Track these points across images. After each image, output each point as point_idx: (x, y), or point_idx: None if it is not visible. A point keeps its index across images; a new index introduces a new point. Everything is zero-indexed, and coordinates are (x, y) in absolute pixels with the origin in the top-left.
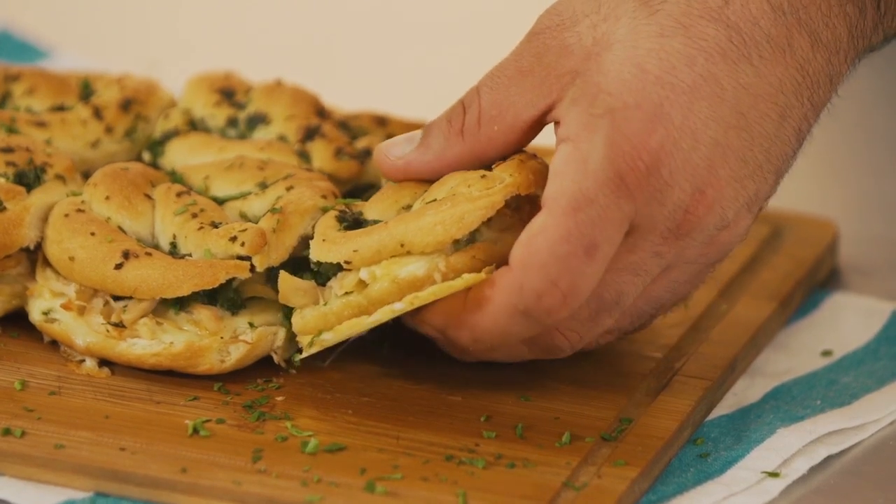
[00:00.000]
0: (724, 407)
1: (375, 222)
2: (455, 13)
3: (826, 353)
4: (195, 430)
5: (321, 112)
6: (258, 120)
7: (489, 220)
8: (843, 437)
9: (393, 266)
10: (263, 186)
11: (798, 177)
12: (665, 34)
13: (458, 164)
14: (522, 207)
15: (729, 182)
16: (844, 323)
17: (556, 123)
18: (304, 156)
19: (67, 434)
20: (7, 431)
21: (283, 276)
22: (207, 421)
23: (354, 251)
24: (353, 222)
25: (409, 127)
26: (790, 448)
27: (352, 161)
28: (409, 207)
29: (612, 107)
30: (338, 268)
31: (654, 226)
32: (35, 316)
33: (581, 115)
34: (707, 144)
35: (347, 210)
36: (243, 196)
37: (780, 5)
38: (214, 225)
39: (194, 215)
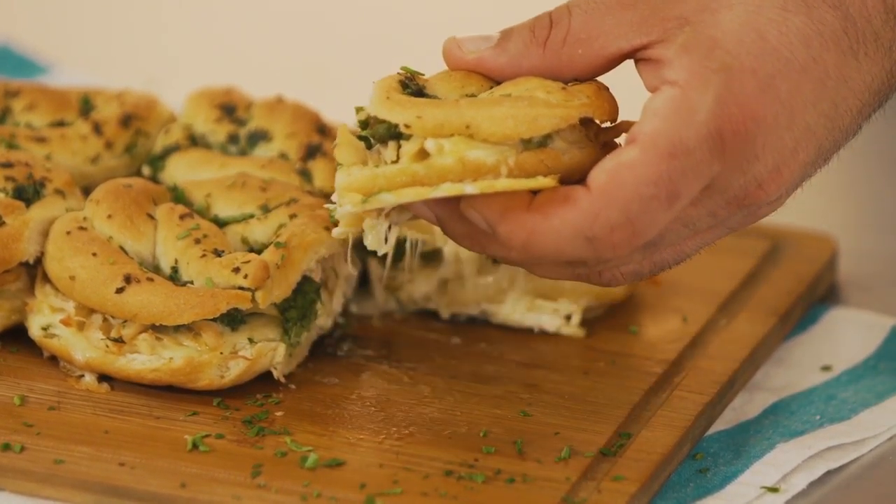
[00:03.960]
0: (724, 422)
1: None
2: (455, 28)
3: (825, 369)
4: (194, 446)
5: (322, 129)
6: (259, 137)
7: (559, 130)
8: (843, 453)
9: (462, 145)
10: (266, 210)
11: (797, 192)
12: (788, 9)
13: (531, 75)
14: (590, 126)
15: (802, 167)
16: (844, 338)
17: (654, 62)
18: (306, 174)
19: (67, 449)
20: (6, 447)
21: (343, 128)
22: (207, 436)
23: (418, 117)
24: (417, 91)
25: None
26: (789, 463)
27: None
28: (472, 97)
29: (728, 65)
30: (388, 135)
31: (726, 190)
32: (34, 331)
33: (694, 65)
34: (800, 127)
35: (412, 79)
36: (245, 219)
37: (893, 7)
38: (217, 252)
39: (197, 241)
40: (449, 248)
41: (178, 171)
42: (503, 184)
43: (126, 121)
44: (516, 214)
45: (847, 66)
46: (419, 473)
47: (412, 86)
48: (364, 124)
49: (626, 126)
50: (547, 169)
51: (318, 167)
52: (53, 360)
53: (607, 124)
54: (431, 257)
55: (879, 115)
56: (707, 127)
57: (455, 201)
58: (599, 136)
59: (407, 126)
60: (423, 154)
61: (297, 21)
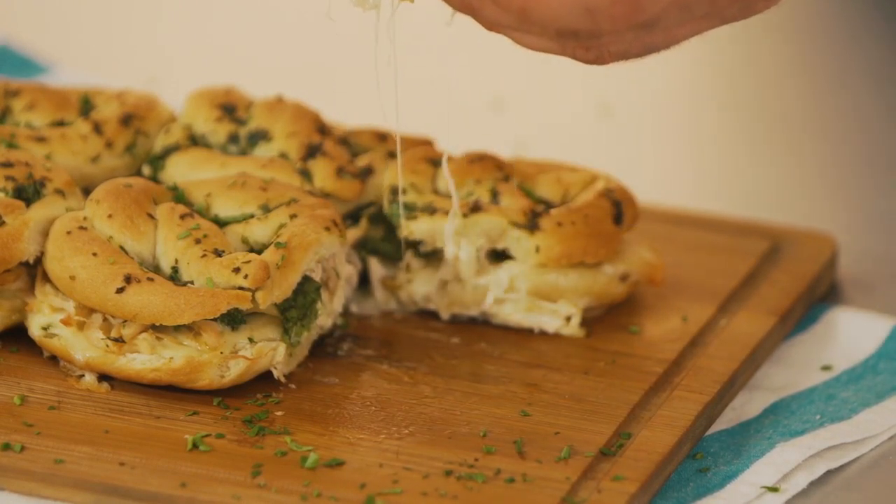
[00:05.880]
0: (724, 421)
1: None
2: (456, 29)
3: (826, 368)
4: (195, 445)
5: (322, 129)
6: (259, 136)
7: None
8: (843, 452)
9: None
10: (266, 210)
11: (798, 192)
12: None
13: None
14: None
15: None
16: (844, 338)
17: None
18: (306, 174)
19: (67, 449)
20: (7, 446)
21: None
22: (207, 436)
23: None
24: None
25: (411, 142)
26: (790, 463)
27: (353, 180)
28: None
29: None
30: None
31: None
32: (34, 331)
33: None
34: None
35: None
36: (245, 219)
37: None
38: (217, 252)
39: (197, 241)
40: (449, 248)
41: (179, 170)
42: None
43: (126, 120)
44: None
45: None
46: (419, 473)
47: None
48: None
49: None
50: None
51: (318, 167)
52: (53, 359)
53: None
54: (431, 257)
55: (879, 114)
56: None
57: None
58: None
59: None
60: None
61: (297, 21)
